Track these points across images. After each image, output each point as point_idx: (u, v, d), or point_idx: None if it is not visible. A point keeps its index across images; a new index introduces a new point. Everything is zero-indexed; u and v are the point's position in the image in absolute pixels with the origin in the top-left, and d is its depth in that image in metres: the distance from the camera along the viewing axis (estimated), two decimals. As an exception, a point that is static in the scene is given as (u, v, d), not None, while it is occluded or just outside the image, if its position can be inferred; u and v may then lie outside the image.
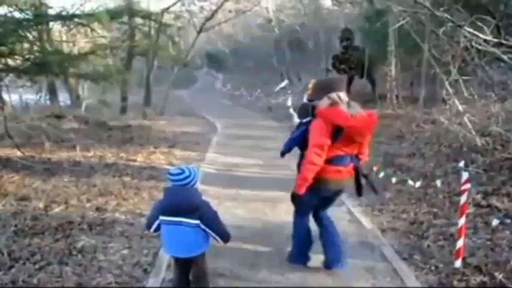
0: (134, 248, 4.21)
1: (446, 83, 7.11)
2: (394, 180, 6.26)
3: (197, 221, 2.95)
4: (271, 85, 24.25)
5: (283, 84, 19.68)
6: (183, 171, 3.00)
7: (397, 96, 11.52)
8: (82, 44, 14.33)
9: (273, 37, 27.31)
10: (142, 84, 18.86)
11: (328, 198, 3.77)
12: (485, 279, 3.62)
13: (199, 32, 17.11)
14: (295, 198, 3.64)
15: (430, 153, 7.51)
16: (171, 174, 3.02)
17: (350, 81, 17.52)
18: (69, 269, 3.71)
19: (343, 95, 3.46)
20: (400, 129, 9.61)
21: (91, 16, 7.18)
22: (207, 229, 2.99)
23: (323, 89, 3.52)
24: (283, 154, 4.03)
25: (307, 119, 3.70)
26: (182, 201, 2.96)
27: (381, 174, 6.28)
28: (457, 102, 7.01)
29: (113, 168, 7.30)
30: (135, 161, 7.94)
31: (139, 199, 5.79)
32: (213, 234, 3.02)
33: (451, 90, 7.12)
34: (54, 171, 6.95)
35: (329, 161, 3.43)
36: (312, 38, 26.50)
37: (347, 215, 5.30)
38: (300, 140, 3.73)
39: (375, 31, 13.57)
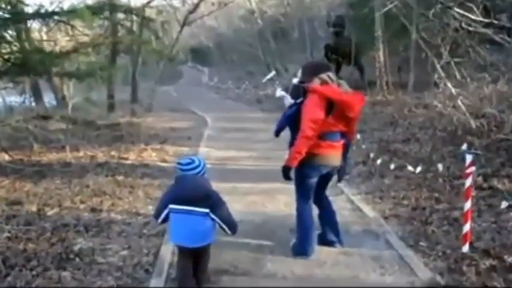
0: (133, 249, 4.08)
1: (438, 66, 7.06)
2: (392, 166, 6.23)
3: (207, 210, 2.97)
4: (258, 77, 24.09)
5: (270, 76, 19.52)
6: (193, 161, 3.05)
7: (387, 82, 11.47)
8: (63, 42, 14.00)
9: (256, 28, 27.07)
10: (128, 81, 18.50)
11: (326, 175, 3.85)
12: (495, 263, 3.57)
13: (182, 26, 16.81)
14: (286, 172, 3.68)
15: (425, 137, 7.48)
16: (181, 164, 3.07)
17: (338, 69, 17.46)
18: (67, 274, 3.56)
19: (332, 74, 3.66)
20: (392, 115, 9.56)
21: (71, 13, 6.95)
22: (216, 218, 3.01)
23: (313, 71, 3.70)
24: (277, 133, 4.04)
25: (300, 99, 3.73)
26: (193, 190, 3.00)
27: (379, 161, 6.24)
28: (449, 85, 6.96)
29: (105, 167, 7.12)
30: (127, 159, 7.77)
31: (134, 198, 5.65)
32: (222, 224, 3.04)
33: (442, 74, 7.07)
34: (44, 173, 6.75)
35: (322, 137, 3.57)
36: (296, 27, 26.33)
37: (347, 203, 5.23)
38: (292, 119, 3.75)
39: (360, 17, 13.47)
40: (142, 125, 11.70)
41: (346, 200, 5.33)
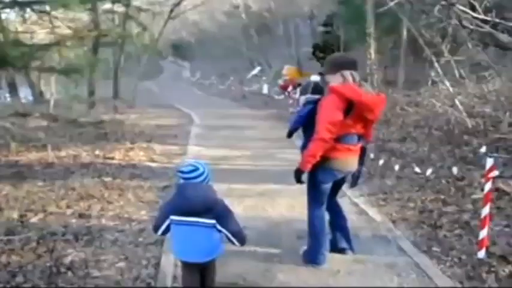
0: (131, 259, 3.75)
1: (436, 64, 6.93)
2: (392, 166, 6.07)
3: (213, 221, 2.66)
4: (242, 72, 23.80)
5: (255, 71, 19.32)
6: (196, 168, 2.70)
7: (377, 80, 11.36)
8: (42, 35, 13.40)
9: (240, 24, 26.79)
10: (107, 76, 17.89)
11: (340, 180, 3.62)
12: (514, 269, 3.42)
13: (167, 19, 16.37)
14: (298, 176, 3.46)
15: (421, 136, 7.37)
16: (182, 172, 2.69)
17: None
18: (60, 291, 3.23)
19: (355, 74, 3.34)
20: (384, 113, 9.43)
21: (56, 2, 6.49)
22: (223, 230, 2.70)
23: (337, 64, 3.39)
24: (290, 134, 3.72)
25: (316, 97, 3.46)
26: (197, 200, 2.66)
27: (381, 162, 6.06)
28: (447, 84, 6.83)
29: (90, 168, 6.73)
30: (113, 158, 7.38)
31: (125, 201, 5.30)
32: (229, 236, 2.72)
33: (441, 72, 6.95)
34: (24, 175, 6.31)
35: (339, 139, 3.30)
36: (280, 24, 26.17)
37: (351, 206, 5.01)
38: (306, 119, 3.48)
39: (349, 13, 13.32)
40: (127, 123, 11.27)
41: (350, 203, 5.11)
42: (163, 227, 2.76)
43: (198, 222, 2.66)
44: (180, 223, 2.69)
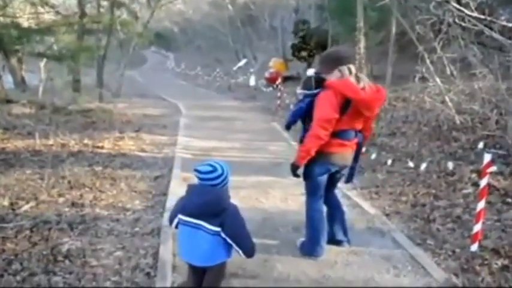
0: (128, 249, 3.72)
1: (428, 61, 7.03)
2: (383, 161, 6.16)
3: (217, 229, 2.52)
4: (227, 64, 23.69)
5: (241, 63, 19.22)
6: (215, 169, 2.55)
7: (366, 75, 11.45)
8: (23, 20, 13.01)
9: (226, 15, 26.59)
10: (91, 64, 17.47)
11: (335, 174, 3.64)
12: (506, 262, 3.52)
13: (155, 6, 16.20)
14: (294, 169, 3.47)
15: (410, 132, 7.47)
16: (199, 171, 2.54)
17: (310, 64, 17.52)
18: (59, 279, 3.18)
19: (353, 67, 3.31)
20: (373, 108, 9.53)
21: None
22: (227, 238, 2.56)
23: (333, 61, 3.34)
24: (288, 127, 3.79)
25: (315, 91, 3.43)
26: (205, 203, 2.52)
27: (373, 156, 6.13)
28: (438, 80, 6.94)
29: (79, 156, 6.63)
30: (102, 147, 7.28)
31: (117, 191, 5.24)
32: (235, 246, 2.59)
33: (432, 68, 7.05)
34: (12, 162, 6.19)
35: (333, 135, 3.30)
36: (266, 15, 26.06)
37: (345, 199, 5.03)
38: (304, 112, 3.49)
39: (339, 8, 13.36)
40: (114, 111, 11.10)
41: (342, 196, 5.13)
42: (174, 223, 2.69)
43: (202, 226, 2.54)
44: (185, 223, 2.61)
